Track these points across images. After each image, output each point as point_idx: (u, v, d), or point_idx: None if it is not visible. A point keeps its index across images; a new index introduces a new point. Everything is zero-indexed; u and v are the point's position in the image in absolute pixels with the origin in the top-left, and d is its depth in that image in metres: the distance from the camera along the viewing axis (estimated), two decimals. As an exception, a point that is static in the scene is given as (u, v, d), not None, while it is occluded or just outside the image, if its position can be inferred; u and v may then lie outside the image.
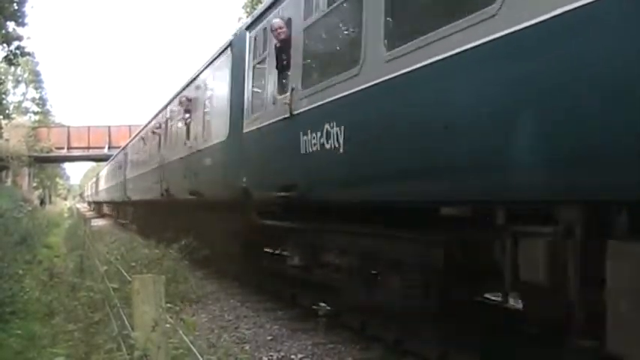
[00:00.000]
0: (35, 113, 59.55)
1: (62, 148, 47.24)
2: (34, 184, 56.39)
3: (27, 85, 59.52)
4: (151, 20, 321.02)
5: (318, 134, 5.81)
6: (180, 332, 3.46)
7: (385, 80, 4.75)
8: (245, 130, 8.11)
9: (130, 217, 26.50)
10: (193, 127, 12.08)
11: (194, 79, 12.62)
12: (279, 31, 7.11)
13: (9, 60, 26.15)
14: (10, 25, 24.37)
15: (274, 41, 7.29)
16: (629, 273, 2.95)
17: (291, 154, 6.46)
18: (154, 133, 17.46)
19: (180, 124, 13.53)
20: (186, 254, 10.78)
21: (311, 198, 6.34)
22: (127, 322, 4.02)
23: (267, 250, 9.28)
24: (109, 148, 44.88)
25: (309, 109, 6.17)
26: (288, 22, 7.02)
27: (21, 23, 24.56)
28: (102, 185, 41.87)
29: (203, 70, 11.69)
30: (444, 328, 5.22)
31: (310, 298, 7.65)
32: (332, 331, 6.78)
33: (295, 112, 6.45)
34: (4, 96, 33.91)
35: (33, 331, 6.51)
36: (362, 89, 5.10)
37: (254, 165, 7.96)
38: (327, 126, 5.62)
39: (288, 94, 6.68)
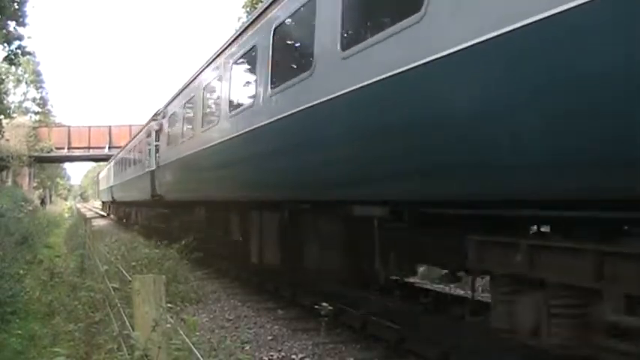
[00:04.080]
0: (36, 113, 59.41)
1: (63, 148, 47.09)
2: (35, 184, 56.27)
3: (28, 85, 59.46)
4: (152, 20, 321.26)
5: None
6: (181, 332, 3.45)
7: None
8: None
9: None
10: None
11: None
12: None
13: (10, 60, 26.13)
14: (11, 25, 24.36)
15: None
16: None
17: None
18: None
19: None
20: (187, 254, 10.80)
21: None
22: (127, 322, 4.01)
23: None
24: (109, 148, 44.74)
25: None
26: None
27: (22, 23, 24.54)
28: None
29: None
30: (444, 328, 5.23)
31: (311, 298, 7.66)
32: (333, 330, 6.78)
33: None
34: (4, 96, 33.86)
35: (33, 331, 6.52)
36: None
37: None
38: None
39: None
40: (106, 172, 41.14)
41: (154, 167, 16.06)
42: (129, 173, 23.99)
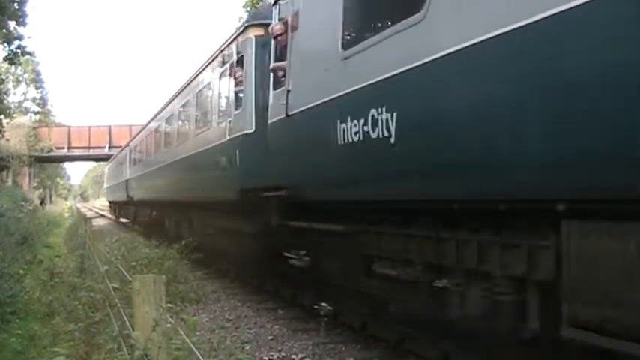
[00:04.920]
0: (36, 113, 59.43)
1: (63, 148, 47.15)
2: (35, 184, 56.28)
3: (28, 85, 59.50)
4: (151, 20, 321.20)
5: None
6: (181, 332, 3.45)
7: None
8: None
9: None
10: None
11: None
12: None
13: (10, 59, 26.14)
14: (12, 25, 24.36)
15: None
16: None
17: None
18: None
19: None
20: (187, 254, 10.80)
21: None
22: (127, 322, 4.01)
23: None
24: (109, 147, 44.82)
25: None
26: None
27: (22, 23, 24.56)
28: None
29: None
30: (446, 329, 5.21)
31: (310, 298, 7.65)
32: (333, 330, 6.78)
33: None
34: (4, 95, 33.86)
35: (33, 331, 6.52)
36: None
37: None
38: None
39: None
40: (116, 162, 32.22)
41: (252, 128, 8.41)
42: (168, 155, 14.50)
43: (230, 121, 9.21)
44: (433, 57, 4.15)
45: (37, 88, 60.33)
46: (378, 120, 4.76)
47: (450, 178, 4.21)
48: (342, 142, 5.38)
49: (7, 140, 37.68)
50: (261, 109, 8.02)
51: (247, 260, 9.45)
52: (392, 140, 4.60)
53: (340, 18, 5.63)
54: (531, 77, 3.37)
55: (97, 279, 7.14)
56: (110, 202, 41.33)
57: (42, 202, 46.62)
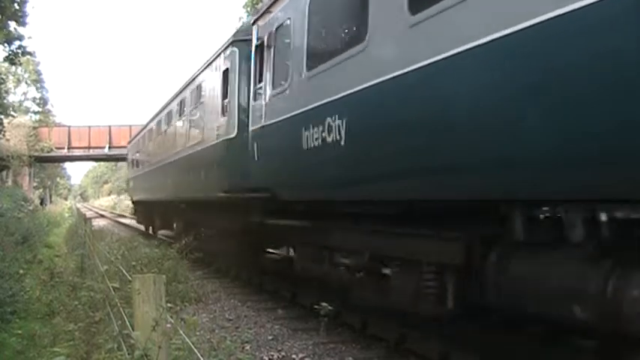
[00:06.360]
0: (36, 113, 59.43)
1: (63, 147, 47.14)
2: (35, 184, 56.27)
3: (28, 85, 59.50)
4: (151, 20, 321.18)
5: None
6: (181, 332, 3.45)
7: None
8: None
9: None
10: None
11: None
12: None
13: (10, 60, 26.14)
14: (12, 25, 24.36)
15: None
16: None
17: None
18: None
19: None
20: (186, 254, 10.80)
21: None
22: (127, 322, 4.01)
23: None
24: (109, 148, 44.90)
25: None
26: None
27: (22, 23, 24.55)
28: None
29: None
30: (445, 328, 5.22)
31: (310, 298, 7.66)
32: (333, 330, 6.79)
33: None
34: (5, 94, 33.85)
35: (33, 331, 6.52)
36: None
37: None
38: None
39: None
40: (165, 119, 16.31)
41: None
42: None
43: None
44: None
45: (37, 88, 60.39)
46: None
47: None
48: None
49: (7, 140, 37.68)
50: None
51: None
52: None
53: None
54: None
55: (97, 279, 7.15)
56: (135, 203, 24.66)
57: (42, 202, 46.64)
